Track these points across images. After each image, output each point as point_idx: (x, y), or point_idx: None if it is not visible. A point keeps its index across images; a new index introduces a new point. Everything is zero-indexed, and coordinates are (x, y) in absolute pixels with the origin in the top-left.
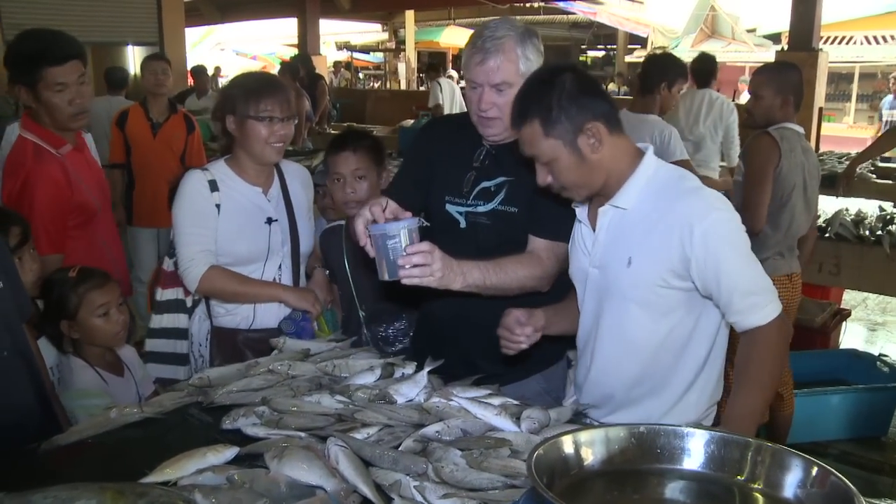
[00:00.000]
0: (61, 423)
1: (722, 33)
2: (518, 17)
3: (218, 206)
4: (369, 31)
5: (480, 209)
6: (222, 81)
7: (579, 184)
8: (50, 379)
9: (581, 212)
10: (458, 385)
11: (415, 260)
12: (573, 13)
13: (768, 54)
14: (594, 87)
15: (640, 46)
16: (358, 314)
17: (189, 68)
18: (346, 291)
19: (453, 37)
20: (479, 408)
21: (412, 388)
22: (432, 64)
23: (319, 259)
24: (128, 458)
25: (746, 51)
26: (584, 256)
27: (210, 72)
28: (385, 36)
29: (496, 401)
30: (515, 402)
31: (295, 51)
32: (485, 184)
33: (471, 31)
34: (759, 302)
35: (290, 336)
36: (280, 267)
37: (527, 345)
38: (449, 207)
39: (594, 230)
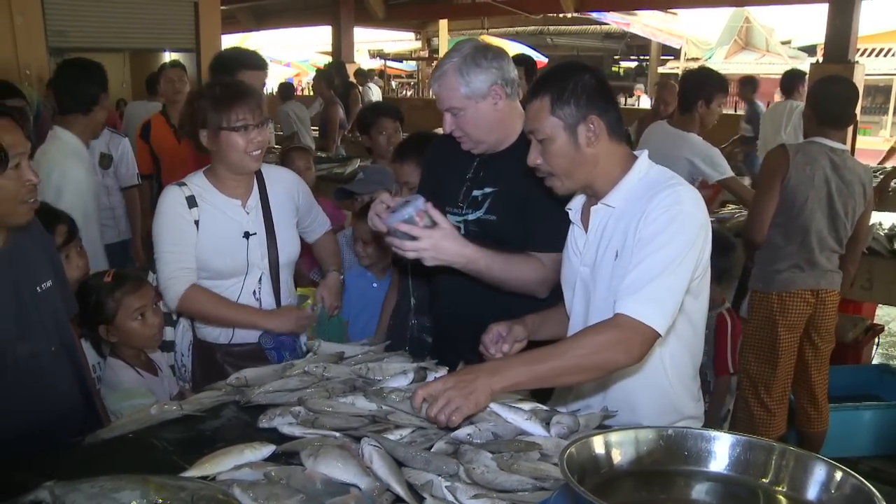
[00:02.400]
0: (101, 418)
1: (756, 45)
2: (551, 28)
3: (196, 221)
4: (403, 40)
5: (470, 217)
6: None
7: (566, 171)
8: (91, 374)
9: (574, 214)
10: None
11: (405, 245)
12: (606, 24)
13: (803, 66)
14: (609, 94)
15: (672, 57)
16: (410, 301)
17: None
18: (403, 276)
19: None
20: (510, 412)
21: None
22: None
23: (338, 261)
24: (167, 453)
25: (780, 63)
26: (575, 257)
27: None
28: (418, 45)
29: (526, 406)
30: (545, 408)
31: (329, 58)
32: (475, 193)
33: (505, 41)
34: (639, 292)
35: (268, 351)
36: (260, 280)
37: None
38: (450, 217)
39: (586, 231)
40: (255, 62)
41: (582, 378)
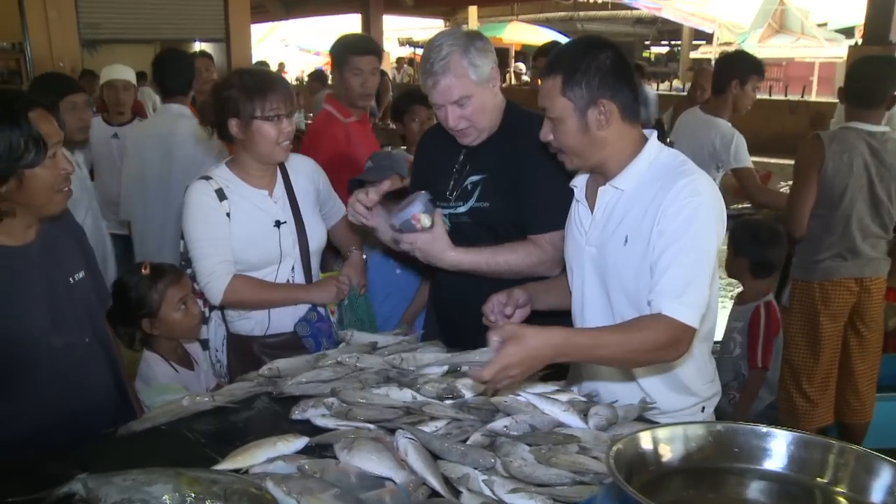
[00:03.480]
0: (135, 409)
1: (791, 28)
2: (581, 14)
3: (228, 214)
4: (432, 27)
5: (460, 209)
6: (287, 77)
7: (576, 152)
8: (123, 364)
9: (579, 191)
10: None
11: (402, 248)
12: (637, 9)
13: (840, 49)
14: (626, 73)
15: (705, 42)
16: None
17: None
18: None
19: (516, 32)
20: (547, 403)
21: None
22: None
23: (358, 241)
24: (200, 445)
25: (816, 46)
26: (580, 236)
27: (274, 68)
28: None
29: (563, 397)
30: (582, 399)
31: None
32: (464, 184)
33: (535, 27)
34: (682, 296)
35: (306, 339)
36: (293, 268)
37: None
38: (440, 212)
39: (592, 210)
40: (363, 48)
41: (626, 366)
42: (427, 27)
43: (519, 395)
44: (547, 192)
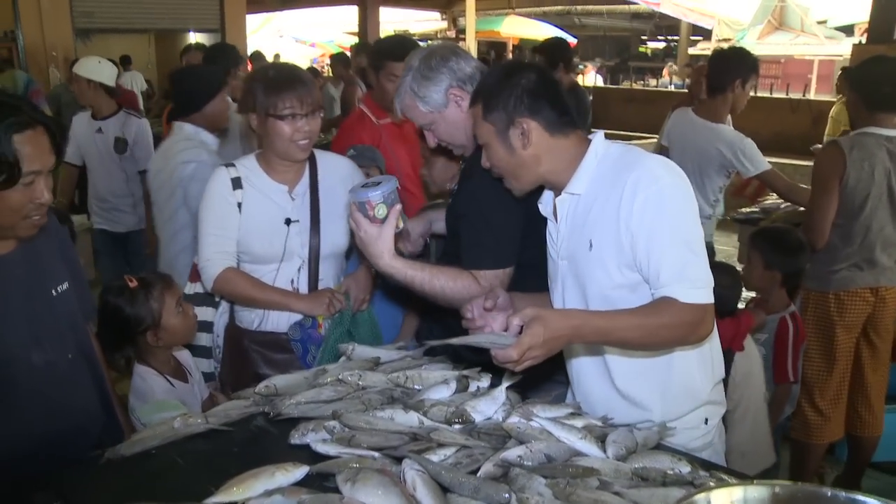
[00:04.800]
0: (123, 428)
1: (790, 25)
2: (578, 8)
3: (240, 203)
4: (429, 20)
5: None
6: None
7: (509, 173)
8: (110, 382)
9: (545, 207)
10: (538, 402)
11: (350, 223)
12: (636, 3)
13: (841, 47)
14: (549, 91)
15: (702, 38)
16: None
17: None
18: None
19: (514, 26)
20: (563, 430)
21: (490, 404)
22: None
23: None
24: (192, 472)
25: (816, 43)
26: (553, 251)
27: (269, 59)
28: (444, 24)
29: (579, 422)
30: (599, 424)
31: (355, 39)
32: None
33: (532, 21)
34: (688, 279)
35: (295, 343)
36: (299, 269)
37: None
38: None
39: (557, 222)
40: (401, 53)
41: (644, 349)
42: (424, 19)
43: (532, 420)
44: (481, 228)
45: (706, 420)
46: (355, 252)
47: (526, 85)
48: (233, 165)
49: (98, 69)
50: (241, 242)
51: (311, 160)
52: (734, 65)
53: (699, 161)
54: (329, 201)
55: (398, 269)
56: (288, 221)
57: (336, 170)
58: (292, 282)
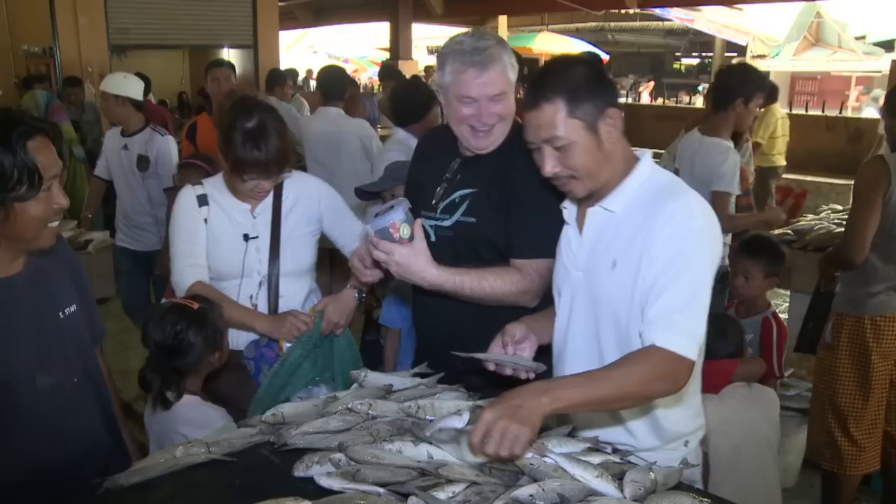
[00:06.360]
0: (129, 451)
1: (827, 41)
2: (612, 24)
3: (206, 220)
4: None
5: (445, 223)
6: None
7: (591, 172)
8: (116, 407)
9: (569, 213)
10: (553, 436)
11: (376, 256)
12: (670, 20)
13: (880, 63)
14: (608, 78)
15: (737, 55)
16: None
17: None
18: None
19: (547, 43)
20: (578, 468)
21: None
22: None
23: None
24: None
25: (854, 60)
26: (567, 259)
27: (302, 74)
28: None
29: (596, 459)
30: (616, 460)
31: (387, 55)
32: (452, 196)
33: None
34: (674, 324)
35: (248, 361)
36: (259, 286)
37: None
38: (424, 221)
39: (581, 232)
40: None
41: (627, 405)
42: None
43: (546, 456)
44: (539, 217)
45: (686, 442)
46: (411, 328)
47: (595, 74)
48: (199, 184)
49: (125, 84)
50: (207, 258)
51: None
52: (738, 82)
53: (702, 180)
54: (294, 220)
55: (447, 277)
56: (246, 237)
57: (305, 189)
58: (251, 298)
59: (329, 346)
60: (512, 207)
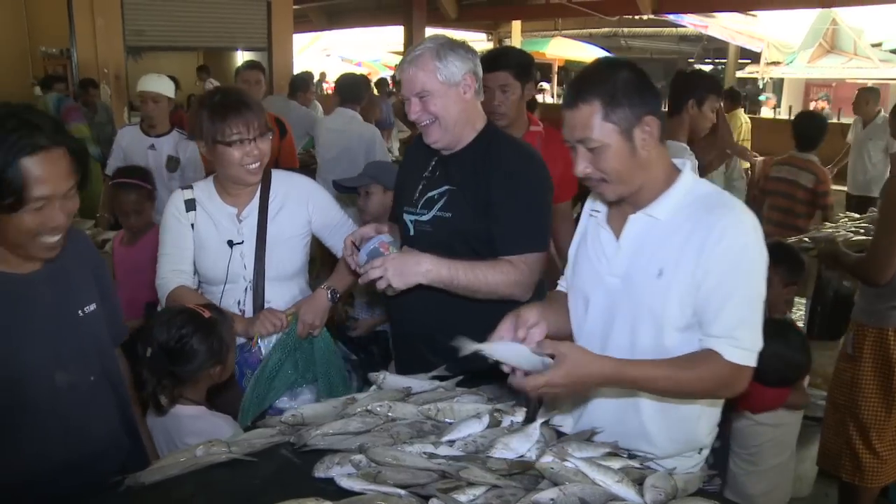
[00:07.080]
0: (147, 451)
1: (843, 48)
2: (625, 30)
3: (193, 225)
4: (475, 41)
5: (424, 218)
6: (326, 87)
7: (622, 177)
8: (134, 407)
9: (601, 217)
10: (573, 441)
11: (371, 275)
12: (683, 26)
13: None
14: (652, 85)
15: (751, 61)
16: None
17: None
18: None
19: (560, 48)
20: (599, 473)
21: (524, 442)
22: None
23: (345, 280)
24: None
25: (870, 67)
26: (599, 263)
27: (316, 77)
28: (490, 45)
29: (616, 464)
30: (637, 465)
31: (399, 58)
32: (430, 193)
33: (578, 43)
34: (737, 339)
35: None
36: (245, 291)
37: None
38: (405, 216)
39: (617, 238)
40: (489, 64)
41: (682, 396)
42: (470, 40)
43: (567, 460)
44: (523, 213)
45: (700, 450)
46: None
47: (636, 79)
48: (189, 188)
49: (164, 84)
50: (196, 263)
51: (265, 182)
52: (690, 85)
53: None
54: (280, 223)
55: (441, 270)
56: (231, 243)
57: (293, 190)
58: (239, 303)
59: (309, 349)
60: (492, 206)
